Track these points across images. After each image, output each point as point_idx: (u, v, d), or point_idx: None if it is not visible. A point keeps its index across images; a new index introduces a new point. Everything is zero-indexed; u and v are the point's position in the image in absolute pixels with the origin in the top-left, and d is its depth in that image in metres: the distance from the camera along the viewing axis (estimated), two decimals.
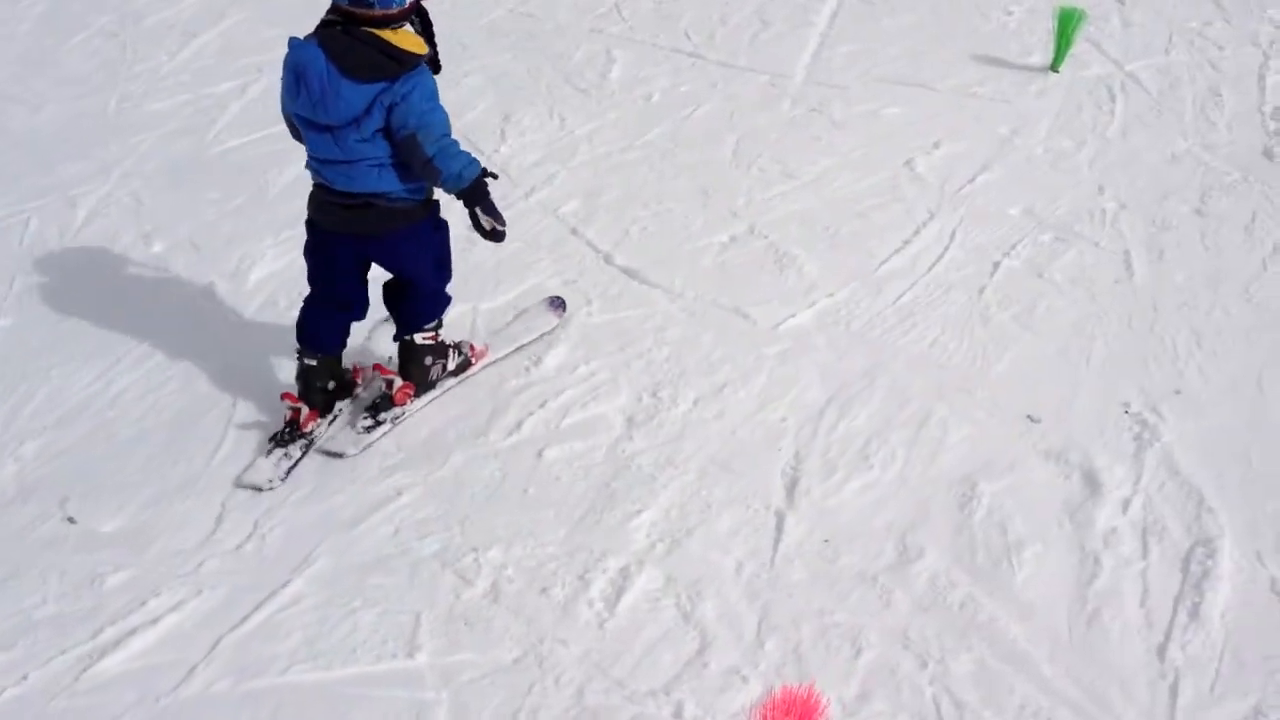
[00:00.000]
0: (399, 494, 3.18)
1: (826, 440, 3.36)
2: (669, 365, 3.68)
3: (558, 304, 3.93)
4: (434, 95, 3.06)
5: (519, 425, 3.42)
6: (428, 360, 3.50)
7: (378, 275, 3.44)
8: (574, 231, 4.43)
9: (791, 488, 3.20)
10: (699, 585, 2.89)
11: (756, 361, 3.69)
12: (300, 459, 3.30)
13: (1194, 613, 2.81)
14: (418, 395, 3.50)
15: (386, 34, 2.97)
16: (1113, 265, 4.19)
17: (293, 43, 3.06)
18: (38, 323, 3.94)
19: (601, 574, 2.93)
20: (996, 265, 4.19)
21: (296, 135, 3.28)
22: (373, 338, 3.80)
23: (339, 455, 3.32)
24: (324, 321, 3.39)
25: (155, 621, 2.77)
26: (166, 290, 4.10)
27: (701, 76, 5.68)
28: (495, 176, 3.22)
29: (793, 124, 5.22)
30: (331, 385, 3.44)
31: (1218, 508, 3.10)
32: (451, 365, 3.58)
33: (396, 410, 3.44)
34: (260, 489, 3.19)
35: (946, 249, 4.29)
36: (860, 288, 4.07)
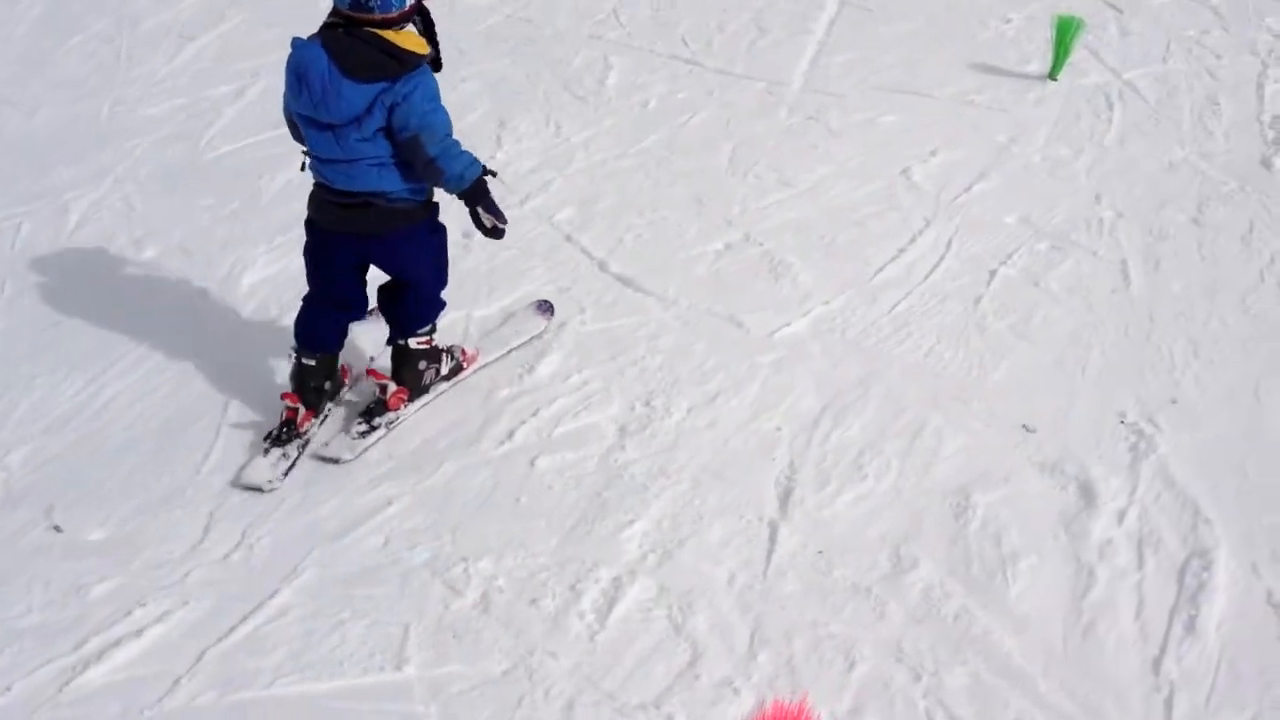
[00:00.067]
0: (389, 503, 3.16)
1: (820, 450, 3.34)
2: (662, 374, 3.65)
3: (545, 307, 3.92)
4: (436, 95, 3.08)
5: (511, 434, 3.40)
6: (422, 365, 3.49)
7: (376, 276, 3.43)
8: (569, 239, 4.42)
9: (785, 498, 3.17)
10: (691, 596, 2.87)
11: (750, 370, 3.67)
12: (297, 459, 3.29)
13: (1189, 625, 2.79)
14: (411, 400, 3.49)
15: (388, 34, 2.99)
16: (1109, 274, 4.17)
17: (295, 43, 3.08)
18: (27, 328, 3.92)
19: (593, 584, 2.90)
20: (993, 274, 4.17)
21: (297, 135, 3.30)
22: (359, 338, 3.76)
23: (334, 461, 3.30)
24: (322, 321, 3.39)
25: (140, 632, 2.74)
26: (158, 296, 4.08)
27: (698, 84, 5.67)
28: (495, 174, 3.26)
29: (789, 132, 5.20)
30: (327, 385, 3.45)
31: (1214, 519, 3.08)
32: (445, 370, 3.57)
33: (391, 415, 3.43)
34: (261, 489, 3.19)
35: (943, 258, 4.27)
36: (856, 296, 4.05)
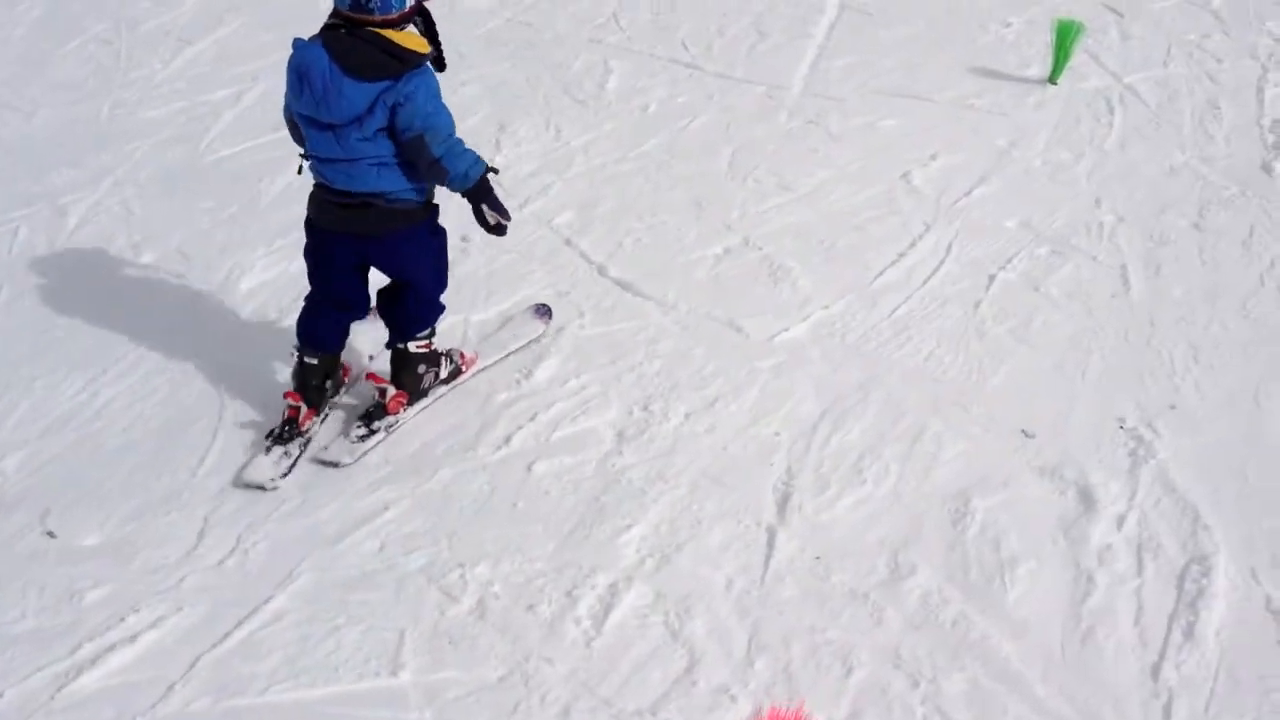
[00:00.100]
0: (386, 508, 3.14)
1: (819, 455, 3.33)
2: (661, 378, 3.64)
3: (544, 311, 3.91)
4: (438, 94, 3.09)
5: (508, 439, 3.39)
6: (421, 368, 3.48)
7: (378, 278, 3.43)
8: (568, 243, 4.41)
9: (783, 503, 3.16)
10: (688, 602, 2.86)
11: (749, 375, 3.66)
12: (299, 457, 3.29)
13: (1189, 631, 2.78)
14: (411, 403, 3.48)
15: (389, 33, 3.00)
16: (1110, 279, 4.16)
17: (296, 43, 3.09)
18: (24, 332, 3.91)
19: (590, 590, 2.89)
20: (992, 278, 4.16)
21: (296, 137, 3.31)
22: (359, 338, 3.75)
23: (334, 464, 3.30)
24: (323, 320, 3.40)
25: (134, 638, 2.73)
26: (156, 299, 4.07)
27: (698, 88, 5.66)
28: (497, 171, 3.28)
29: (789, 136, 5.20)
30: (328, 384, 3.45)
31: (1213, 524, 3.07)
32: (444, 373, 3.57)
33: (390, 419, 3.42)
34: (264, 488, 3.19)
35: (942, 262, 4.26)
36: (855, 301, 4.04)
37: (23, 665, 2.68)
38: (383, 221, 3.19)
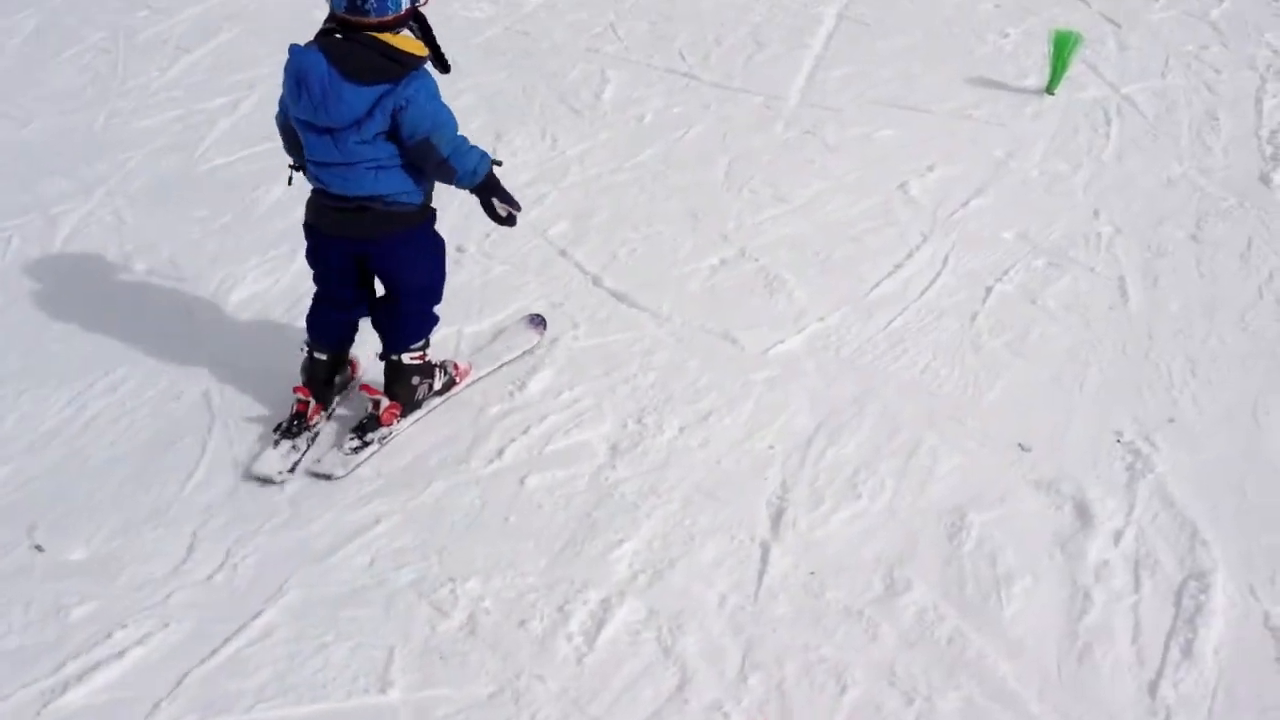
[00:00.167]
0: (377, 521, 3.11)
1: (814, 469, 3.30)
2: (655, 391, 3.62)
3: (538, 321, 3.89)
4: (438, 95, 3.11)
5: (501, 452, 3.36)
6: (415, 380, 3.46)
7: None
8: (563, 253, 4.39)
9: (777, 518, 3.13)
10: (681, 618, 2.83)
11: (744, 388, 3.63)
12: (306, 451, 3.33)
13: (1186, 649, 2.75)
14: (404, 415, 3.46)
15: (386, 37, 3.01)
16: (1107, 291, 4.14)
17: (293, 49, 3.09)
18: (13, 344, 3.88)
19: (582, 606, 2.86)
20: (989, 290, 4.14)
21: (288, 146, 3.32)
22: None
23: (327, 477, 3.27)
24: (328, 319, 3.44)
25: (121, 655, 2.70)
26: (146, 311, 4.04)
27: (695, 97, 5.65)
28: (500, 164, 3.32)
29: (786, 146, 5.18)
30: (337, 380, 3.49)
31: (1211, 540, 3.04)
32: (437, 385, 3.55)
33: (383, 430, 3.40)
34: (272, 481, 3.22)
35: (939, 274, 4.24)
36: (851, 313, 4.02)
37: (7, 682, 2.65)
38: (380, 224, 3.20)
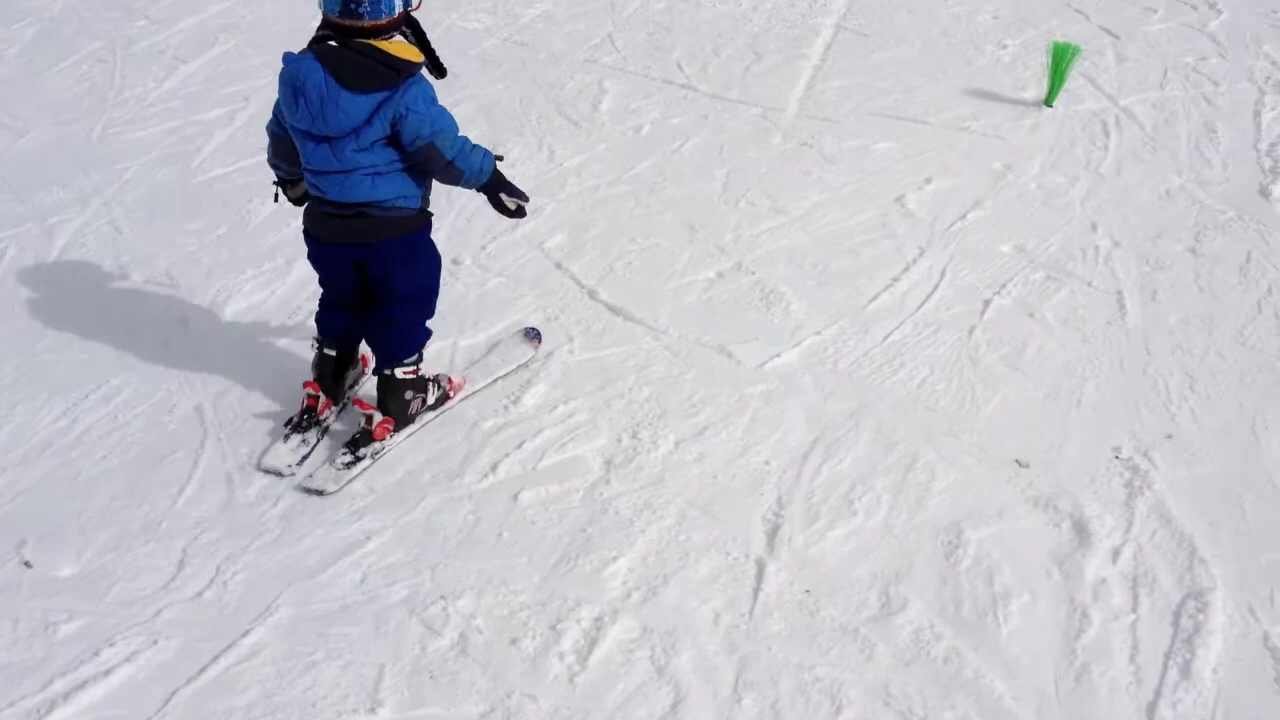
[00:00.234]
0: (368, 538, 3.09)
1: (810, 485, 3.27)
2: (650, 405, 3.59)
3: (533, 335, 3.87)
4: (435, 99, 3.12)
5: (495, 467, 3.34)
6: (408, 395, 3.44)
7: None
8: (558, 266, 4.37)
9: (773, 535, 3.11)
10: (674, 636, 2.80)
11: (740, 402, 3.61)
12: (316, 445, 3.37)
13: (1185, 670, 2.72)
14: (397, 430, 3.44)
15: (381, 44, 3.01)
16: (1105, 305, 4.12)
17: (288, 57, 3.09)
18: (7, 355, 3.86)
19: (575, 624, 2.83)
20: (987, 304, 4.12)
21: (277, 154, 3.32)
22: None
23: (319, 493, 3.25)
24: (335, 316, 3.46)
25: (108, 673, 2.67)
26: (140, 323, 4.02)
27: (692, 109, 5.64)
28: (502, 158, 3.35)
29: (783, 158, 5.17)
30: (348, 376, 3.54)
31: (1210, 558, 3.01)
32: (431, 399, 3.52)
33: (376, 445, 3.38)
34: (281, 474, 3.26)
35: (936, 287, 4.22)
36: (848, 326, 4.00)
37: None
38: (377, 230, 3.20)
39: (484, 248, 4.45)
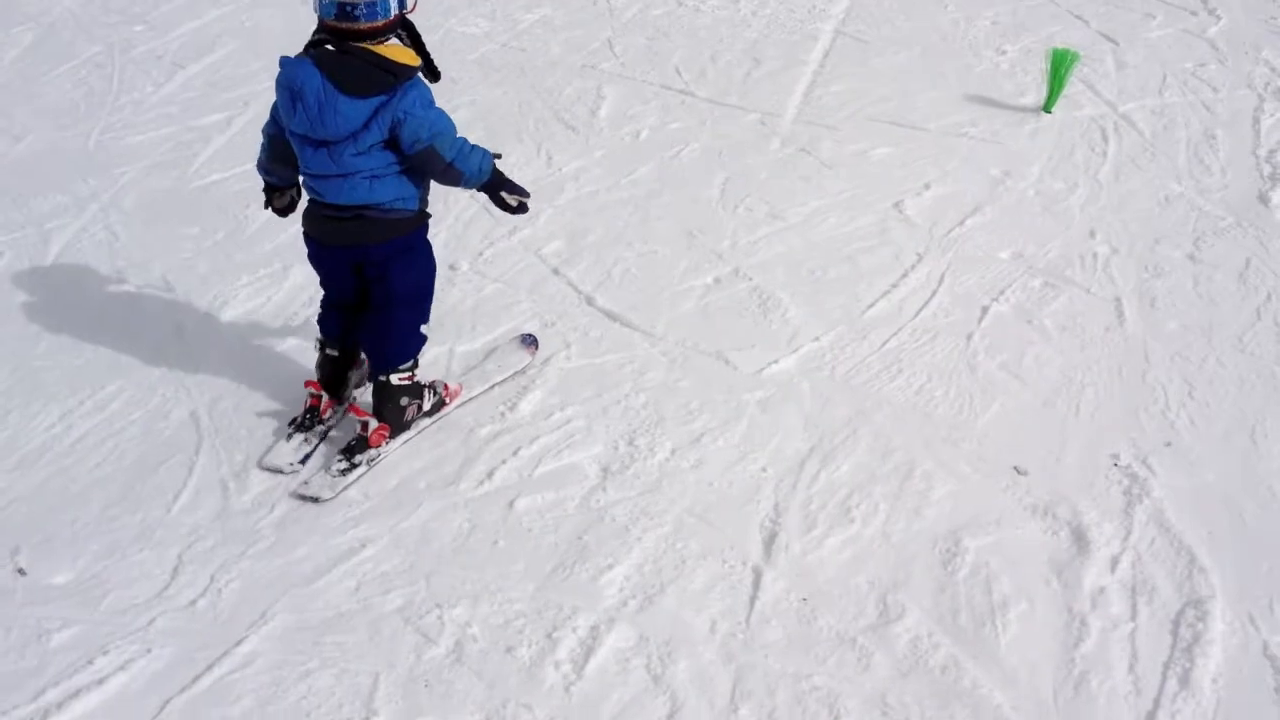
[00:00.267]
0: (363, 546, 3.08)
1: (807, 493, 3.26)
2: (647, 412, 3.58)
3: (530, 341, 3.86)
4: (433, 102, 3.12)
5: (490, 474, 3.32)
6: (404, 401, 3.43)
7: None
8: (556, 272, 4.36)
9: (770, 542, 3.09)
10: (671, 645, 2.79)
11: (737, 409, 3.60)
12: (318, 445, 3.38)
13: (1184, 679, 2.71)
14: (393, 436, 3.43)
15: (378, 48, 3.01)
16: (1103, 312, 4.11)
17: (284, 61, 3.08)
18: (2, 361, 3.84)
19: (571, 632, 2.82)
20: (985, 311, 4.11)
21: (270, 157, 3.32)
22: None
23: (314, 500, 3.24)
24: (337, 319, 3.46)
25: (101, 682, 2.65)
26: (136, 329, 4.01)
27: (691, 114, 5.63)
28: (500, 156, 3.34)
29: (782, 164, 5.16)
30: (351, 376, 3.55)
31: (1209, 567, 3.00)
32: (427, 406, 3.51)
33: (372, 452, 3.37)
34: (282, 472, 3.28)
35: (934, 293, 4.21)
36: (846, 333, 3.99)
37: None
38: (376, 231, 3.20)
39: (481, 253, 4.44)
